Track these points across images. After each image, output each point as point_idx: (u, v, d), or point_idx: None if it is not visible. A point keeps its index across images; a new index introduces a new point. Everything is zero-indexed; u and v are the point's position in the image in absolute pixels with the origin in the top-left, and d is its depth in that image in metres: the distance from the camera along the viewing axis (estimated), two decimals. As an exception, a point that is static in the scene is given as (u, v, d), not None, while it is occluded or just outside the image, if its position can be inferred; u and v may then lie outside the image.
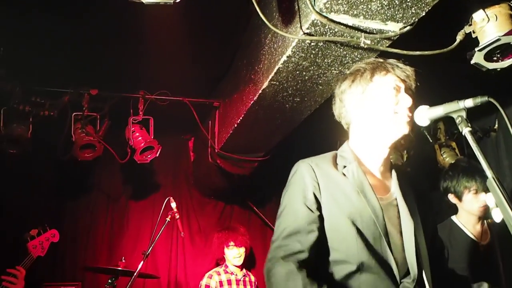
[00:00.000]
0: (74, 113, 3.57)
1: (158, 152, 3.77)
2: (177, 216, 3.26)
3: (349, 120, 1.78)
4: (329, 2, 1.80)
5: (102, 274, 3.91)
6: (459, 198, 2.87)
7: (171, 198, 3.28)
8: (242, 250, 4.26)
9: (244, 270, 4.34)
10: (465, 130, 1.50)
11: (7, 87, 3.36)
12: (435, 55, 2.04)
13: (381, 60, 1.76)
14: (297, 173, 1.67)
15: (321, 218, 1.59)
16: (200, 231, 4.91)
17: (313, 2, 1.85)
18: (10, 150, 3.48)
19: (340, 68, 2.35)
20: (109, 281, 3.36)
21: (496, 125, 4.25)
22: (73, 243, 4.33)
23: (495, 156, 4.17)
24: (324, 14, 1.87)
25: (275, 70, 2.39)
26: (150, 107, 3.74)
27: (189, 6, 2.85)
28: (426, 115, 1.61)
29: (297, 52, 2.19)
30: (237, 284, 4.20)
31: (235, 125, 3.21)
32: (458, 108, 1.53)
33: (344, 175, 1.67)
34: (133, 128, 3.69)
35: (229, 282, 4.18)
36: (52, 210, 4.25)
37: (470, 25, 2.04)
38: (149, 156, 3.78)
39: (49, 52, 3.23)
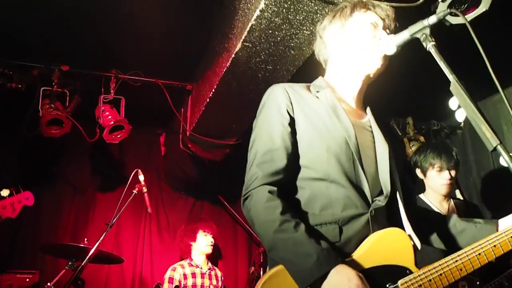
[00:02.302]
0: (43, 88, 3.49)
1: (128, 133, 3.70)
2: (145, 190, 3.17)
3: (327, 55, 1.83)
4: None
5: (62, 258, 3.72)
6: (424, 173, 2.93)
7: (139, 170, 3.21)
8: (213, 240, 4.18)
9: (209, 264, 4.23)
10: (429, 45, 1.54)
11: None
12: (403, 8, 2.11)
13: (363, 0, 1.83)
14: (271, 95, 1.68)
15: (293, 134, 1.60)
16: (169, 226, 4.80)
17: None
18: (-27, 122, 3.37)
19: (311, 28, 2.40)
20: (69, 263, 3.21)
21: (462, 123, 4.40)
22: (34, 231, 4.15)
23: (462, 153, 4.29)
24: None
25: (248, 29, 2.42)
26: (123, 89, 3.70)
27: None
28: (393, 42, 1.66)
29: (270, 6, 2.23)
30: (202, 277, 4.08)
31: (208, 100, 3.21)
32: (422, 26, 1.57)
33: (318, 98, 1.69)
34: (103, 107, 3.63)
35: (194, 275, 4.06)
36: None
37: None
38: (118, 136, 3.70)
39: (21, 24, 3.20)
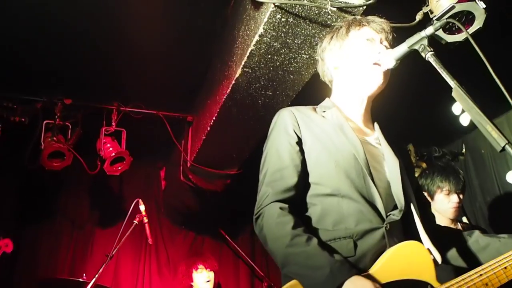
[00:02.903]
0: (46, 121, 3.53)
1: (129, 164, 3.70)
2: (146, 220, 3.13)
3: (331, 76, 1.86)
4: (298, -32, 1.94)
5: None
6: (431, 197, 2.90)
7: (140, 200, 3.18)
8: (212, 275, 4.06)
9: (213, 301, 4.10)
10: (428, 55, 1.57)
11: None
12: (398, 29, 2.16)
13: (357, 17, 1.88)
14: (278, 118, 1.73)
15: (302, 152, 1.62)
16: (168, 262, 4.69)
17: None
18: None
19: (309, 52, 2.46)
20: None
21: (464, 149, 4.40)
22: (32, 267, 4.06)
23: (466, 178, 4.26)
24: (294, -18, 2.01)
25: (247, 54, 2.48)
26: (124, 121, 3.74)
27: (165, 17, 3.05)
28: (391, 56, 1.69)
29: (269, 30, 2.29)
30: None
31: (208, 128, 3.22)
32: (419, 37, 1.61)
33: (324, 117, 1.70)
34: (104, 139, 3.65)
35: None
36: (12, 229, 4.00)
37: (427, 5, 2.20)
38: (119, 167, 3.70)
39: (24, 59, 3.28)
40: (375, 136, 1.75)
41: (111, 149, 3.62)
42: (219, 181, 3.94)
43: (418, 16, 2.23)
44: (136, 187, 4.76)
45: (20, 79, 3.40)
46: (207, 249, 4.80)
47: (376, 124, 1.80)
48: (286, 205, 1.51)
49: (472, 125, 4.24)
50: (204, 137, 3.34)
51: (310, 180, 1.59)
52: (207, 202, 4.26)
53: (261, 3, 2.24)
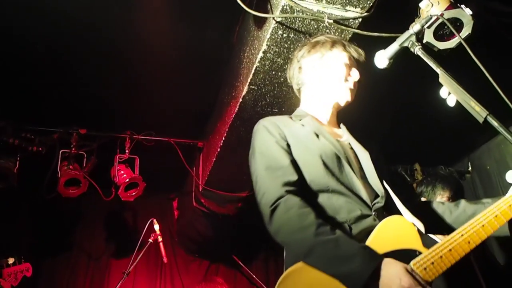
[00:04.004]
0: (62, 151, 3.68)
1: (143, 190, 3.80)
2: (160, 239, 3.19)
3: (302, 81, 2.00)
4: (295, -14, 2.12)
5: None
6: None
7: (154, 220, 3.25)
8: None
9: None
10: (416, 49, 1.71)
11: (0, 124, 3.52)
12: (392, 39, 2.31)
13: (339, 38, 2.05)
14: (260, 126, 1.81)
15: (291, 153, 1.72)
16: (184, 291, 4.68)
17: (281, -11, 2.17)
18: (-5, 184, 3.50)
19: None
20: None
21: (470, 167, 4.45)
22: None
23: (473, 196, 4.29)
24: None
25: (253, 71, 2.63)
26: (137, 149, 3.88)
27: (174, 48, 3.24)
28: (384, 56, 1.83)
29: (272, 47, 2.45)
30: None
31: (218, 150, 3.34)
32: (408, 35, 1.76)
33: (302, 125, 1.83)
34: (118, 167, 3.78)
35: None
36: (29, 260, 4.06)
37: (419, 16, 2.35)
38: (133, 193, 3.80)
39: (43, 93, 3.49)
40: (345, 137, 1.89)
41: (124, 175, 3.73)
42: (230, 205, 4.01)
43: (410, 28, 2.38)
44: (149, 217, 4.82)
45: (37, 111, 3.58)
46: (221, 276, 4.77)
47: (342, 125, 1.94)
48: (296, 195, 1.56)
49: (477, 143, 4.33)
50: (214, 159, 3.45)
51: (301, 179, 1.69)
52: (220, 228, 4.31)
53: (264, 20, 2.42)
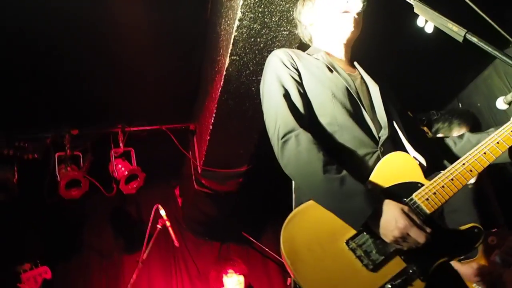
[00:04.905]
0: (58, 154, 3.68)
1: (143, 180, 3.82)
2: (168, 224, 3.23)
3: (309, 34, 2.03)
4: None
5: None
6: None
7: (159, 205, 3.29)
8: (242, 279, 4.11)
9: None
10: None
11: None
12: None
13: None
14: (274, 56, 1.82)
15: (302, 85, 1.74)
16: (199, 274, 4.74)
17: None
18: (-2, 198, 3.52)
19: (288, 28, 2.60)
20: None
21: (460, 105, 4.50)
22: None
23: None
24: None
25: (232, 41, 2.63)
26: (131, 141, 3.89)
27: (150, 33, 3.22)
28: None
29: (246, 13, 2.45)
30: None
31: (211, 127, 3.36)
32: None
33: (316, 59, 1.85)
34: (115, 162, 3.79)
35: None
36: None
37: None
38: (134, 186, 3.83)
39: (27, 98, 3.47)
40: (358, 72, 1.90)
41: (123, 168, 3.76)
42: (232, 181, 4.05)
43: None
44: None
45: (25, 117, 3.57)
46: (234, 255, 4.85)
47: (355, 63, 1.96)
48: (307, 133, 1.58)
49: (463, 83, 4.36)
50: (208, 137, 3.47)
51: (311, 111, 1.71)
52: (225, 206, 4.35)
53: (234, -12, 2.41)
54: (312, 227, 1.47)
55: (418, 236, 1.37)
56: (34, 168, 3.64)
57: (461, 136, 1.89)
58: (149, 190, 4.26)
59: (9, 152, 3.52)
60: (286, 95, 1.67)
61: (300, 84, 1.72)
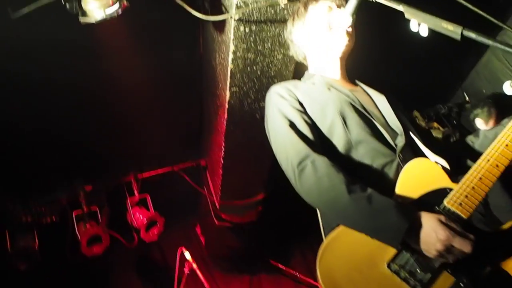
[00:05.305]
0: (75, 213, 3.67)
1: (163, 225, 3.79)
2: (195, 266, 3.17)
3: (303, 53, 2.03)
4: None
5: None
6: (486, 122, 3.24)
7: (183, 248, 3.24)
8: None
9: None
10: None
11: (9, 207, 3.52)
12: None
13: None
14: (272, 95, 1.82)
15: (306, 113, 1.73)
16: (234, 311, 4.64)
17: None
18: (21, 267, 3.49)
19: (282, 51, 2.61)
20: None
21: (466, 97, 4.46)
22: None
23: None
24: (242, -8, 2.19)
25: (229, 74, 2.64)
26: (145, 187, 3.89)
27: (146, 78, 3.24)
28: (345, 13, 1.84)
29: (239, 45, 2.46)
30: None
31: (222, 161, 3.33)
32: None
33: (313, 83, 1.84)
34: (132, 211, 3.78)
35: None
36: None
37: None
38: (155, 232, 3.80)
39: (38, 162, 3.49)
40: (359, 86, 1.89)
41: (141, 217, 3.73)
42: (251, 211, 4.00)
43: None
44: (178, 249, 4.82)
45: (38, 182, 3.57)
46: (266, 285, 4.76)
47: (356, 81, 1.95)
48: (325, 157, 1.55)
49: (464, 71, 4.33)
50: (221, 171, 3.45)
51: (321, 135, 1.69)
52: (249, 237, 4.29)
53: (224, 22, 2.43)
54: (348, 254, 1.40)
55: (463, 246, 1.29)
56: (54, 230, 3.62)
57: (476, 134, 1.84)
58: (170, 234, 4.23)
59: (27, 219, 3.51)
60: (292, 125, 1.65)
61: (303, 112, 1.70)
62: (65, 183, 3.69)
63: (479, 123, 3.22)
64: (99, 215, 3.76)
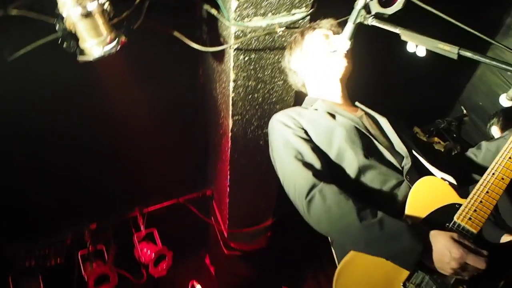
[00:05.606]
0: (80, 252, 3.61)
1: (171, 258, 3.73)
2: (208, 299, 3.11)
3: (302, 80, 2.04)
4: (238, 9, 2.16)
5: None
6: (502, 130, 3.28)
7: (194, 282, 3.18)
8: None
9: None
10: (370, 20, 1.74)
11: (12, 251, 3.47)
12: (343, 22, 2.36)
13: (306, 25, 2.11)
14: (275, 124, 1.82)
15: (311, 141, 1.72)
16: None
17: (227, 17, 2.22)
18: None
19: (282, 77, 2.63)
20: None
21: (464, 110, 4.49)
22: None
23: (481, 134, 4.30)
24: (240, 23, 2.23)
25: (231, 103, 2.65)
26: (151, 221, 3.84)
27: (147, 110, 3.26)
28: (343, 38, 1.87)
29: (239, 73, 2.48)
30: None
31: (228, 190, 3.32)
32: (357, 11, 1.80)
33: (315, 109, 1.84)
34: (139, 246, 3.72)
35: None
36: None
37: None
38: (164, 267, 3.73)
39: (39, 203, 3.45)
40: (360, 109, 1.90)
41: (149, 252, 3.67)
42: (261, 238, 3.96)
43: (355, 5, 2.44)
44: (189, 282, 4.73)
45: (41, 224, 3.52)
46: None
47: (357, 103, 1.96)
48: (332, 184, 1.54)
49: (460, 86, 4.37)
50: (227, 200, 3.42)
51: (328, 162, 1.68)
52: (260, 264, 4.23)
53: (223, 52, 2.46)
54: (363, 278, 1.40)
55: (477, 263, 1.30)
56: (59, 273, 3.55)
57: (479, 147, 1.86)
58: (179, 267, 4.15)
59: (31, 263, 3.45)
60: (298, 155, 1.63)
61: (308, 140, 1.69)
62: (69, 223, 3.64)
63: (494, 130, 3.29)
64: (105, 253, 3.70)
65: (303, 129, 1.73)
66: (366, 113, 1.89)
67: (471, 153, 1.90)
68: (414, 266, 1.35)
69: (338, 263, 1.53)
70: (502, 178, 1.46)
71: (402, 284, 1.39)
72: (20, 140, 2.92)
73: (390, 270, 1.40)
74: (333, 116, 1.76)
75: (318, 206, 1.49)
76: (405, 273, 1.40)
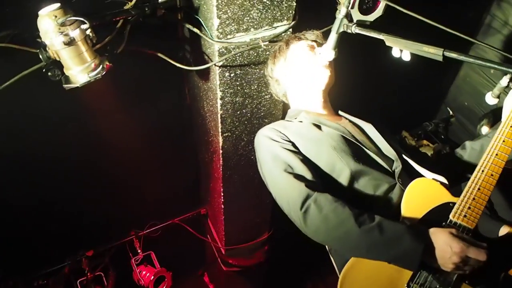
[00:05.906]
0: (79, 280, 3.57)
1: (171, 279, 3.70)
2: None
3: (284, 89, 2.07)
4: (220, 26, 2.19)
5: None
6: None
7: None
8: None
9: None
10: (353, 28, 1.78)
11: (10, 285, 3.42)
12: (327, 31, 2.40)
13: (290, 35, 2.14)
14: (260, 139, 1.83)
15: (301, 153, 1.72)
16: None
17: (210, 35, 2.24)
18: None
19: (269, 91, 2.65)
20: None
21: (451, 112, 4.55)
22: None
23: (468, 133, 4.36)
24: (223, 40, 2.25)
25: (219, 120, 2.66)
26: (148, 244, 3.81)
27: (134, 135, 3.25)
28: (327, 48, 1.90)
29: (226, 90, 2.50)
30: None
31: (222, 207, 3.31)
32: (339, 21, 1.84)
33: (300, 122, 1.86)
34: (138, 269, 3.69)
35: None
36: None
37: (339, 3, 2.46)
38: (164, 287, 3.70)
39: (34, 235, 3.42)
40: (344, 118, 1.92)
41: (148, 274, 3.64)
42: (258, 252, 3.94)
43: (337, 14, 2.48)
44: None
45: (37, 255, 3.48)
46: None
47: (340, 112, 1.99)
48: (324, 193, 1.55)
49: (444, 88, 4.44)
50: (223, 217, 3.42)
51: (320, 173, 1.70)
52: (259, 279, 4.21)
53: (208, 70, 2.48)
54: (367, 283, 1.41)
55: (478, 255, 1.33)
56: (60, 302, 3.50)
57: (463, 147, 1.90)
58: (179, 286, 4.12)
59: (30, 298, 3.41)
60: (288, 168, 1.64)
61: (297, 152, 1.70)
62: (66, 252, 3.60)
63: (485, 130, 3.36)
64: (104, 279, 3.66)
65: (290, 141, 1.75)
66: (350, 121, 1.92)
67: (457, 153, 1.94)
68: (417, 266, 1.36)
69: (338, 270, 1.54)
70: (492, 175, 1.51)
71: (406, 285, 1.41)
72: (13, 175, 2.90)
73: (392, 272, 1.42)
74: (318, 127, 1.79)
75: (314, 216, 1.49)
76: (408, 274, 1.42)
